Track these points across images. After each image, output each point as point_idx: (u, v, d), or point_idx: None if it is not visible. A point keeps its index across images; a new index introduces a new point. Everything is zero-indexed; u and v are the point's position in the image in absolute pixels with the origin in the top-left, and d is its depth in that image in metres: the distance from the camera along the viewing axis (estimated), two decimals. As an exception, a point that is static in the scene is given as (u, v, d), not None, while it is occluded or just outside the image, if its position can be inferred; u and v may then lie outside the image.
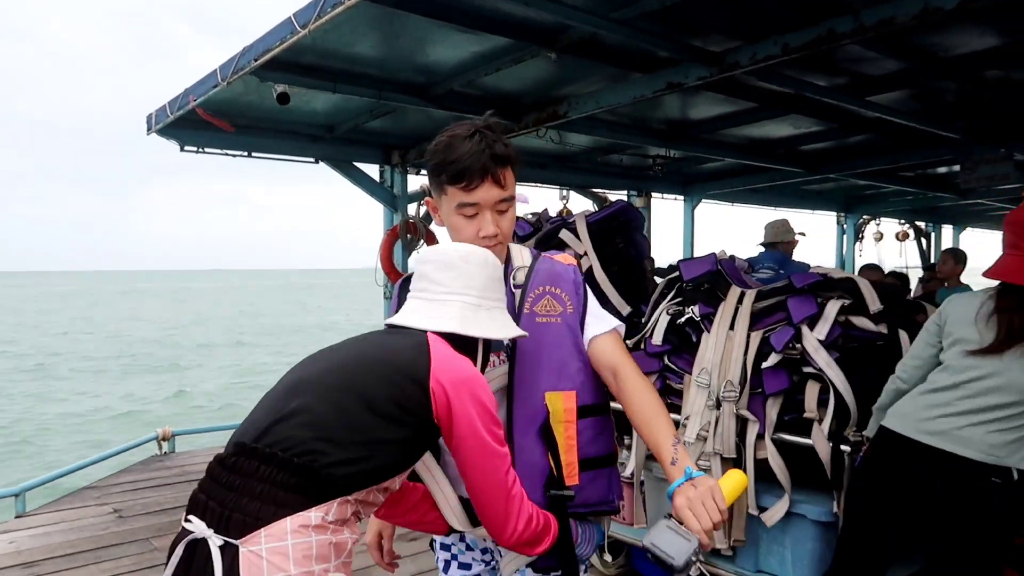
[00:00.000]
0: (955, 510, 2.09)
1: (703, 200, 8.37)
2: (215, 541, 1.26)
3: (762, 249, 5.05)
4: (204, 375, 21.36)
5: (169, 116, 4.44)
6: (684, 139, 5.76)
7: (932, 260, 10.81)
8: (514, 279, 1.73)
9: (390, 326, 1.59)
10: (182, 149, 5.03)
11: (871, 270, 6.18)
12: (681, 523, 1.35)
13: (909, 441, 2.11)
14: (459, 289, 1.55)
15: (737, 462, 2.35)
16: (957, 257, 5.86)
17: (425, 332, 1.49)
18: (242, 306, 58.63)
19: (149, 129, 4.76)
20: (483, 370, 1.62)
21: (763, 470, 2.33)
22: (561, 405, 1.67)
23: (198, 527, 1.29)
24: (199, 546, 1.29)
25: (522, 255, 1.79)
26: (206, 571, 1.26)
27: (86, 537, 4.29)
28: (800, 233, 5.28)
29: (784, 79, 3.98)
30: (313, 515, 1.29)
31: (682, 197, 8.35)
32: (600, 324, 1.72)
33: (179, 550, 1.31)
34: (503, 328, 1.56)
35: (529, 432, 1.67)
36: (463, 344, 1.53)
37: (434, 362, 1.42)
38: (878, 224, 10.43)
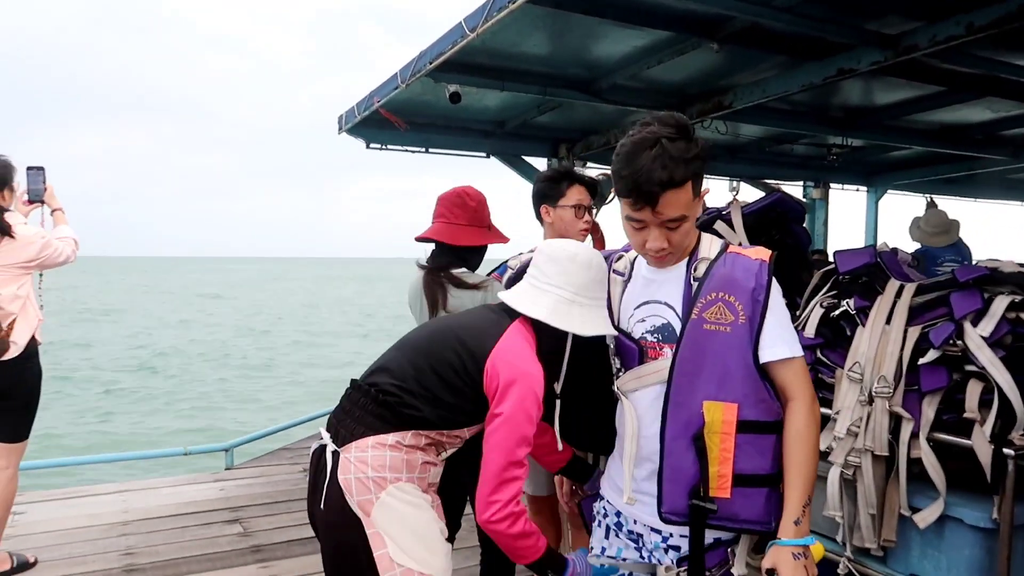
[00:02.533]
0: None
1: (889, 191, 7.81)
2: (330, 448, 1.74)
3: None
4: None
5: (356, 116, 4.88)
6: (864, 127, 5.42)
7: None
8: (695, 271, 1.70)
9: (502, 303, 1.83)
10: (368, 146, 5.49)
11: None
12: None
13: None
14: (559, 283, 1.74)
15: (890, 460, 2.27)
16: None
17: (514, 318, 1.76)
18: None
19: (340, 129, 5.25)
20: (562, 365, 1.80)
21: (916, 470, 2.24)
22: (720, 416, 1.63)
23: (325, 437, 1.78)
24: (324, 451, 1.77)
25: (711, 247, 1.75)
26: (323, 468, 1.75)
27: (280, 490, 4.86)
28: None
29: (974, 60, 3.68)
30: (389, 438, 1.70)
31: (865, 188, 7.84)
32: (776, 348, 1.65)
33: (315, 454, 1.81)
34: (590, 325, 1.73)
35: (682, 437, 1.65)
36: (554, 333, 1.74)
37: (498, 346, 1.70)
38: (1108, 217, 9.20)
